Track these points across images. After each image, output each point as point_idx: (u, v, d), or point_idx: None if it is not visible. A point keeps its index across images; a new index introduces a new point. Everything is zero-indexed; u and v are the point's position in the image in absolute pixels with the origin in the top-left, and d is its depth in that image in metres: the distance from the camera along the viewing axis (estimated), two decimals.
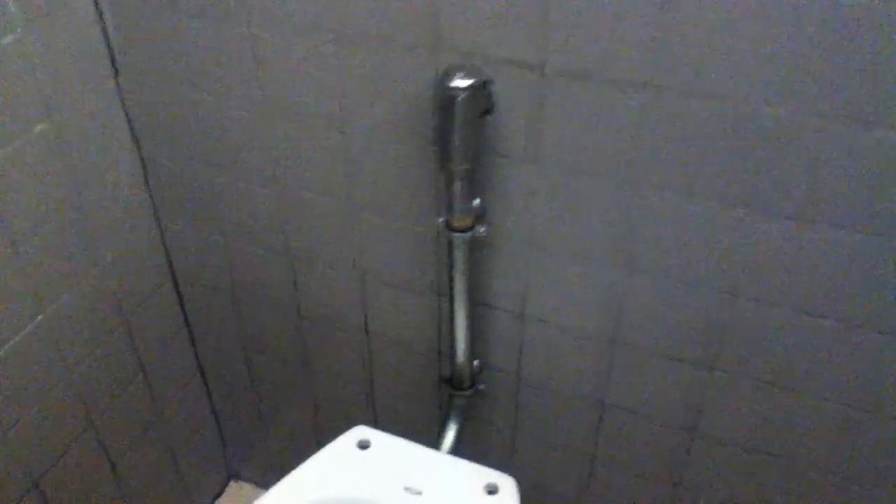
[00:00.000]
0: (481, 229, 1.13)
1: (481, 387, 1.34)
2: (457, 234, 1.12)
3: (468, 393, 1.32)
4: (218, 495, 1.90)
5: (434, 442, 1.29)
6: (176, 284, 1.55)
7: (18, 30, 1.06)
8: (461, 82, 0.99)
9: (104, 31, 1.22)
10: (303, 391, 1.61)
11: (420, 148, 1.14)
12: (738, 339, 1.05)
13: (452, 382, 1.32)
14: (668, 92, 0.92)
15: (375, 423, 1.56)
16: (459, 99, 0.99)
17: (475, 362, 1.29)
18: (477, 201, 1.11)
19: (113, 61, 1.25)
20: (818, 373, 1.04)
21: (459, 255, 1.14)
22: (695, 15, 0.86)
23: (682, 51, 0.89)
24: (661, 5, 0.87)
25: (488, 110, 1.05)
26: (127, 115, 1.31)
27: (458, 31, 1.01)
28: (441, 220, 1.14)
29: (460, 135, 1.02)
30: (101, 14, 1.20)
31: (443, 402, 1.43)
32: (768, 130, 0.89)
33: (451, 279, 1.17)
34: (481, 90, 1.00)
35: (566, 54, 0.96)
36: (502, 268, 1.19)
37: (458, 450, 1.29)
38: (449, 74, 0.99)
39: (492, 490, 1.12)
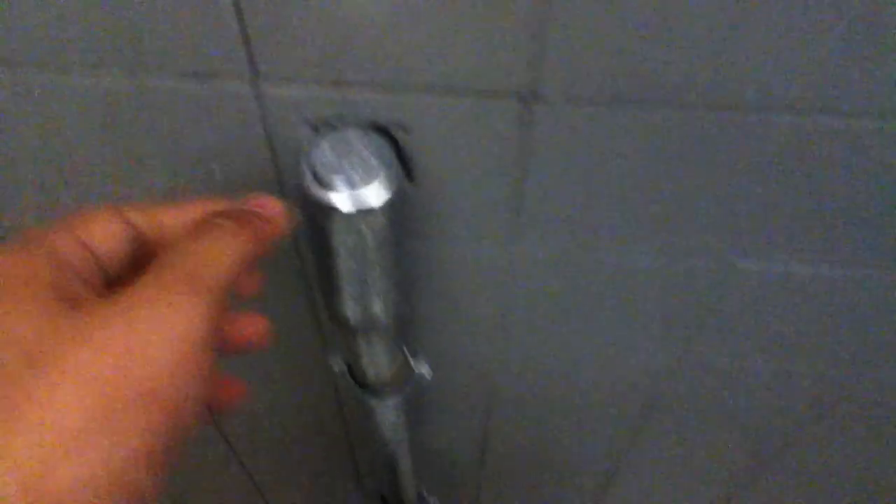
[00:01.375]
0: (422, 370, 0.58)
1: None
2: (374, 400, 0.57)
3: None
4: None
5: None
6: None
7: None
8: (344, 197, 0.38)
9: None
10: None
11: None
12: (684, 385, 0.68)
13: None
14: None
15: None
16: (347, 233, 0.39)
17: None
18: (402, 345, 0.55)
19: None
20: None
21: (384, 420, 0.60)
22: None
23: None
24: None
25: (408, 176, 0.46)
26: None
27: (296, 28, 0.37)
28: (340, 366, 0.58)
29: (362, 278, 0.43)
30: None
31: None
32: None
33: (375, 440, 0.64)
34: (395, 186, 0.40)
35: (568, 73, 0.37)
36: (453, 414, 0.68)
37: None
38: (321, 180, 0.38)
39: None
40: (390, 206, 0.39)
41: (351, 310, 0.44)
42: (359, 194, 0.38)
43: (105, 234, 0.28)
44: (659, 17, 0.35)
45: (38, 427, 0.20)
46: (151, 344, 0.23)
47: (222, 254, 0.28)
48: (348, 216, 0.38)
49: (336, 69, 0.38)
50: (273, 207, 0.33)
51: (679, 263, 0.53)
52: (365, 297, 0.43)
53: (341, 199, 0.38)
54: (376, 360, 0.52)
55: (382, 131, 0.41)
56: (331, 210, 0.38)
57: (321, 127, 0.41)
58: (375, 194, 0.38)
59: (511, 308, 0.59)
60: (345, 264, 0.41)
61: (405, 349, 0.56)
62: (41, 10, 0.37)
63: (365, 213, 0.38)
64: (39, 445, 0.20)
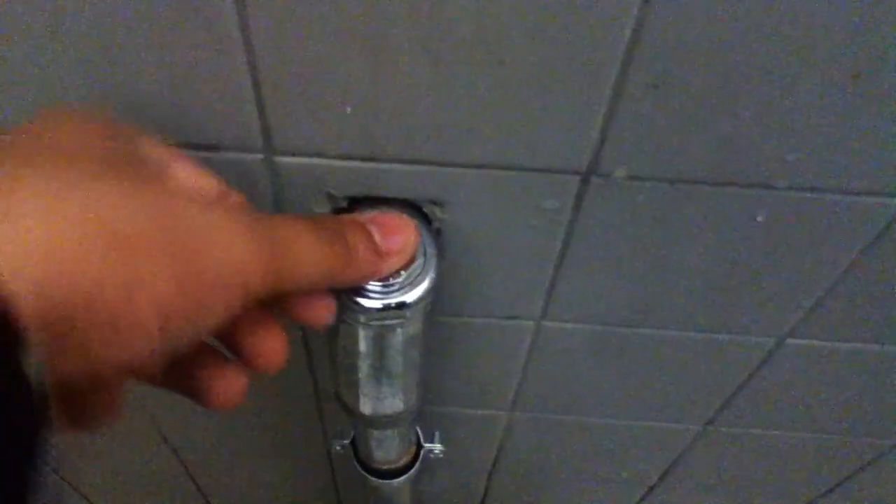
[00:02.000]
0: (434, 449, 0.53)
1: None
2: (383, 483, 0.51)
3: None
4: None
5: None
6: None
7: None
8: (373, 290, 0.32)
9: None
10: None
11: None
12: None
13: None
14: None
15: None
16: (373, 329, 0.33)
17: None
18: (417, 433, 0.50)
19: None
20: None
21: (386, 497, 0.55)
22: None
23: None
24: None
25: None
26: None
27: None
28: (338, 445, 0.52)
29: (384, 376, 0.38)
30: None
31: None
32: None
33: None
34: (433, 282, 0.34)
35: (633, 150, 0.32)
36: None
37: None
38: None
39: None
40: (425, 299, 0.33)
41: (369, 407, 0.39)
42: (390, 287, 0.32)
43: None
44: (739, 93, 0.30)
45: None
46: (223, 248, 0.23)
47: (310, 260, 0.26)
48: (376, 312, 0.32)
49: (367, 145, 0.32)
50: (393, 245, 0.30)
51: (724, 339, 0.48)
52: (385, 394, 0.38)
53: (369, 293, 0.32)
54: (387, 447, 0.47)
55: (414, 208, 0.36)
56: (355, 304, 0.32)
57: (342, 200, 0.36)
58: (410, 288, 0.32)
59: (530, 376, 0.54)
60: (366, 360, 0.36)
61: (419, 432, 0.50)
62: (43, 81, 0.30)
63: (396, 309, 0.32)
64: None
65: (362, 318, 0.32)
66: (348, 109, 0.31)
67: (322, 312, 0.29)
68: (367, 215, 0.30)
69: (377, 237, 0.30)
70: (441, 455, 0.52)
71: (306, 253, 0.26)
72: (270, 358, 0.28)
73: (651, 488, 0.73)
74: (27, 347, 0.18)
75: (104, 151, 0.23)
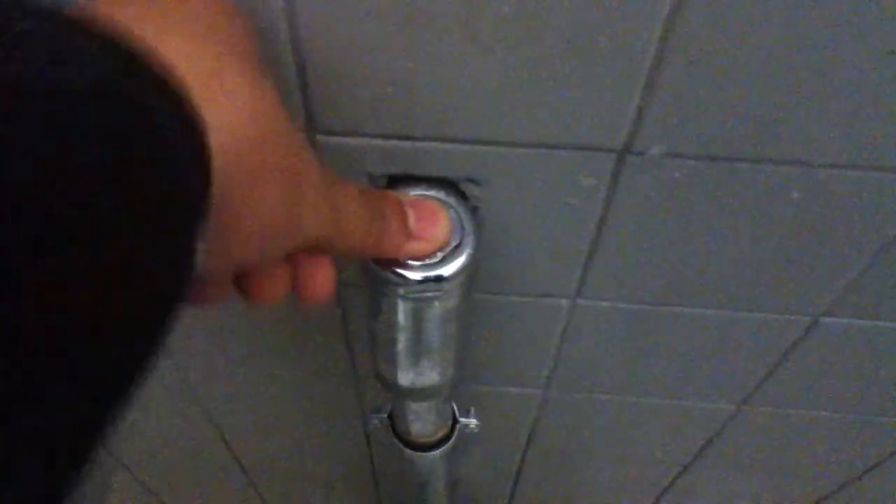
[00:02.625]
0: (470, 423, 0.54)
1: None
2: (420, 455, 0.53)
3: None
4: None
5: None
6: None
7: None
8: (412, 262, 0.33)
9: None
10: None
11: None
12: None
13: None
14: None
15: None
16: (411, 302, 0.34)
17: None
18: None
19: None
20: None
21: (422, 469, 0.56)
22: None
23: None
24: None
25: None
26: None
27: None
28: (376, 419, 0.53)
29: (422, 348, 0.38)
30: None
31: None
32: None
33: (409, 484, 0.60)
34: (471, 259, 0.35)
35: (672, 128, 0.32)
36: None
37: None
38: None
39: None
40: (462, 273, 0.34)
41: (406, 379, 0.40)
42: (429, 261, 0.33)
43: None
44: (786, 70, 0.31)
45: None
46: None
47: (354, 229, 0.28)
48: (415, 284, 0.33)
49: (406, 124, 0.33)
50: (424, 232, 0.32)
51: (759, 318, 0.48)
52: (423, 366, 0.39)
53: (409, 265, 0.33)
54: (424, 420, 0.48)
55: (451, 185, 0.36)
56: (395, 276, 0.33)
57: (381, 179, 0.37)
58: (448, 262, 0.33)
59: (565, 355, 0.54)
60: (404, 333, 0.37)
61: (454, 406, 0.51)
62: None
63: (434, 282, 0.33)
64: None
65: (401, 291, 0.33)
66: (389, 89, 0.32)
67: (324, 286, 0.30)
68: (407, 197, 0.32)
69: (411, 220, 0.31)
70: (476, 430, 0.53)
71: (353, 222, 0.28)
72: (320, 288, 0.30)
73: (685, 468, 0.73)
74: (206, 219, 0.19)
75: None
